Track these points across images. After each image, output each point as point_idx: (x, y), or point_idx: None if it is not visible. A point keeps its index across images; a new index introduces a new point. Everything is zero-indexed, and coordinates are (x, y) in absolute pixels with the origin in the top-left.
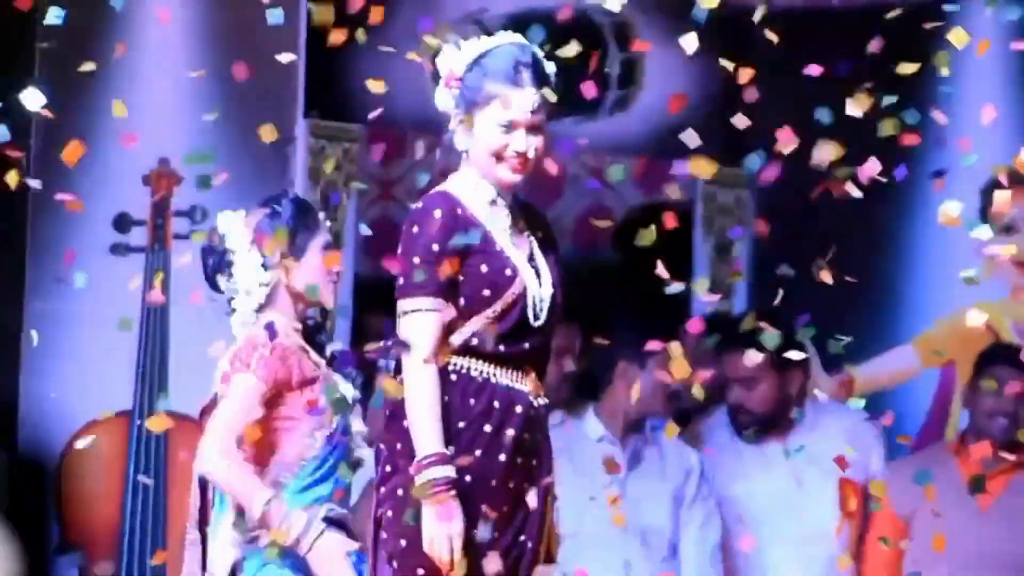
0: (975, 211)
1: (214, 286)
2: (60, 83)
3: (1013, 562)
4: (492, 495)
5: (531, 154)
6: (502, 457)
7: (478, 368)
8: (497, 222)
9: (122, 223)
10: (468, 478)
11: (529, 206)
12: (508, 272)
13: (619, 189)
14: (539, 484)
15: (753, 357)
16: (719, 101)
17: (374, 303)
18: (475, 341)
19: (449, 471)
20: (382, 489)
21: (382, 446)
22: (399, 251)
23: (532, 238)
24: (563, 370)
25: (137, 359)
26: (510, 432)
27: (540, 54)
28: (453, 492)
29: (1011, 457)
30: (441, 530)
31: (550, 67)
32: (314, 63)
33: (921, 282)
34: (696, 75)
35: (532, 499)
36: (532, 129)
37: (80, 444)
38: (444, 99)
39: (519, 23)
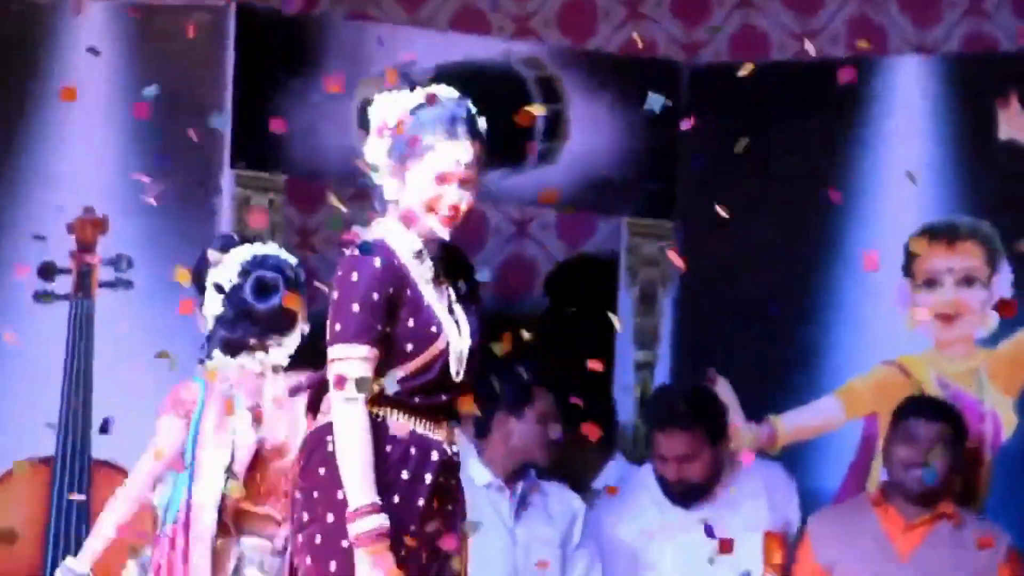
0: (899, 265)
1: (246, 338)
2: None
3: None
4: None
5: (463, 207)
6: (420, 502)
7: (394, 417)
8: (422, 274)
9: (47, 271)
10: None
11: (455, 250)
12: (433, 328)
13: (543, 240)
14: (457, 527)
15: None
16: (644, 153)
17: None
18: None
19: (384, 520)
20: (299, 537)
21: (298, 494)
22: (335, 297)
23: (451, 289)
24: (548, 436)
25: (60, 408)
26: (428, 477)
27: (474, 109)
28: (388, 543)
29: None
30: None
31: (482, 121)
32: (240, 113)
33: (846, 333)
34: (621, 127)
35: (451, 541)
36: (464, 182)
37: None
38: (376, 149)
39: (446, 76)
